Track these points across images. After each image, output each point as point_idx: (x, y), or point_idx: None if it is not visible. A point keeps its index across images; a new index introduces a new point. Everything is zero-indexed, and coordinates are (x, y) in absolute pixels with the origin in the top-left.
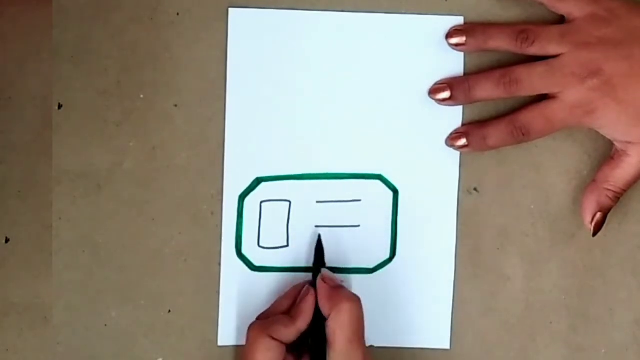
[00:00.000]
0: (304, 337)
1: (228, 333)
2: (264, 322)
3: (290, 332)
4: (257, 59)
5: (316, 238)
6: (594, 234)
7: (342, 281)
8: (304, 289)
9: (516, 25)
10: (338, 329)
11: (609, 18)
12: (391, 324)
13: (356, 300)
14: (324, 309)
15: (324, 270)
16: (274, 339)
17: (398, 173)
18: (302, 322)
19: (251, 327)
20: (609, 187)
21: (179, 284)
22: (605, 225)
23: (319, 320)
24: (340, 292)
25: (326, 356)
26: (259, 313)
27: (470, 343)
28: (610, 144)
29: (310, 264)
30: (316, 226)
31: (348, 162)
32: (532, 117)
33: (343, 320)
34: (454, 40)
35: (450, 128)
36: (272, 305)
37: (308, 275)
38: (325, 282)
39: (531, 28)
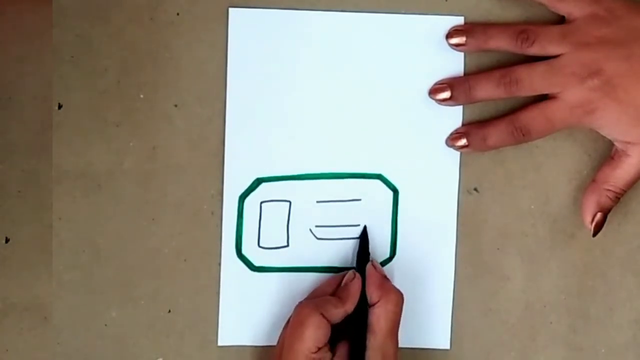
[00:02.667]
0: (337, 328)
1: (228, 333)
2: (315, 301)
3: (339, 312)
4: (257, 59)
5: (363, 230)
6: (594, 234)
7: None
8: (350, 272)
9: (516, 25)
10: (383, 317)
11: (609, 18)
12: None
13: (401, 294)
14: (372, 295)
15: (373, 260)
16: (325, 317)
17: (398, 173)
18: (350, 304)
19: (302, 304)
20: (609, 188)
21: (179, 284)
22: (605, 225)
23: (362, 309)
24: (389, 282)
25: (366, 342)
26: (259, 313)
27: (470, 343)
28: (610, 144)
29: (311, 264)
30: (316, 226)
31: (348, 162)
32: (532, 117)
33: (390, 310)
34: (454, 40)
35: (450, 128)
36: (317, 289)
37: (308, 275)
38: (376, 269)
39: (531, 28)
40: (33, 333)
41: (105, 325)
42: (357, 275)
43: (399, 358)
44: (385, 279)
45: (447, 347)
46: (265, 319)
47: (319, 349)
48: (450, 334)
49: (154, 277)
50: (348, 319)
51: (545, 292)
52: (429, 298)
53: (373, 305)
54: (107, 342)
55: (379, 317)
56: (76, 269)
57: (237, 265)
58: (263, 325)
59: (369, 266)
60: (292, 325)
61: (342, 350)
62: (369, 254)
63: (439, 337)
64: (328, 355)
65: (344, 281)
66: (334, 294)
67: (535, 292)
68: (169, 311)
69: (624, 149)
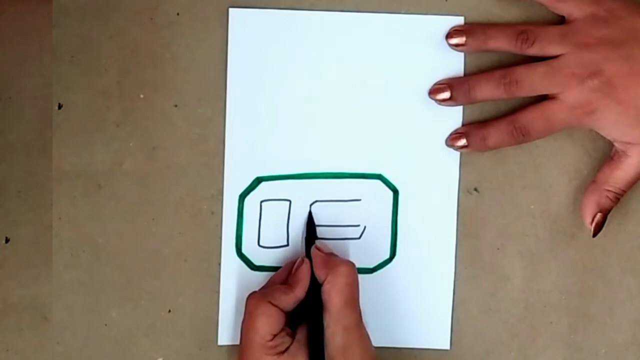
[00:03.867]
0: (298, 311)
1: (228, 333)
2: (263, 291)
3: (289, 299)
4: (257, 59)
5: (309, 213)
6: (594, 235)
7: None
8: (299, 259)
9: (516, 26)
10: (333, 291)
11: (609, 18)
12: (391, 324)
13: (351, 264)
14: (320, 275)
15: (318, 242)
16: (274, 305)
17: (398, 173)
18: (300, 289)
19: (251, 296)
20: (609, 188)
21: (179, 284)
22: (605, 225)
23: (314, 289)
24: (334, 258)
25: (322, 320)
26: None
27: (470, 343)
28: (610, 144)
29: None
30: (316, 225)
31: (348, 162)
32: (532, 117)
33: (339, 283)
34: (454, 41)
35: (450, 128)
36: (269, 281)
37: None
38: (320, 250)
39: (531, 28)
40: (33, 333)
41: (105, 325)
42: (306, 260)
43: (399, 358)
44: (330, 256)
45: (447, 347)
46: None
47: (274, 336)
48: (450, 334)
49: (154, 277)
50: (304, 305)
51: (545, 292)
52: (429, 298)
53: (323, 283)
54: (107, 342)
55: (329, 292)
56: (76, 269)
57: (237, 264)
58: None
59: (312, 249)
60: (244, 318)
61: (302, 333)
62: (316, 236)
63: (439, 337)
64: (286, 340)
65: (294, 267)
66: (286, 281)
67: (535, 292)
68: (169, 311)
69: (623, 149)
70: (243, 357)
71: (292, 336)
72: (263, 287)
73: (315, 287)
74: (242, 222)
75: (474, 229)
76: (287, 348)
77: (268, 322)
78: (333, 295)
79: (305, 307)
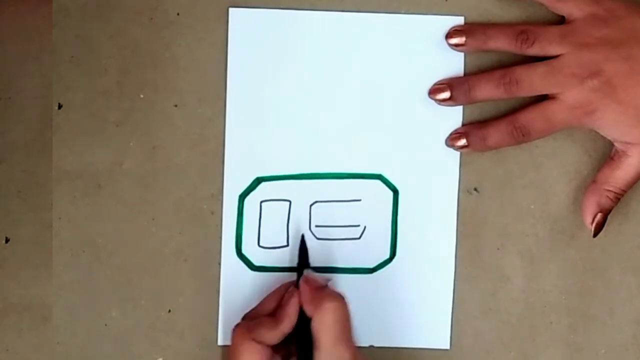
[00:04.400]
0: (291, 336)
1: (228, 333)
2: (248, 325)
3: (275, 334)
4: (257, 59)
5: (301, 239)
6: (595, 235)
7: (328, 280)
8: (288, 291)
9: (516, 26)
10: (322, 330)
11: (609, 18)
12: (391, 324)
13: (340, 298)
14: (308, 311)
15: (306, 272)
16: (258, 342)
17: (398, 173)
18: (287, 324)
19: (235, 330)
20: (609, 188)
21: (179, 284)
22: (605, 225)
23: (304, 322)
24: (323, 292)
25: (312, 358)
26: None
27: (470, 343)
28: (610, 144)
29: (311, 264)
30: (316, 226)
31: (348, 162)
32: (532, 117)
33: (327, 320)
34: (453, 41)
35: (450, 128)
36: (258, 306)
37: None
38: (308, 284)
39: (531, 28)
40: (33, 333)
41: (105, 325)
42: (296, 291)
43: (399, 358)
44: (319, 290)
45: (447, 347)
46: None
47: None
48: (450, 334)
49: (154, 277)
50: (294, 337)
51: (545, 292)
52: (429, 298)
53: (311, 320)
54: (107, 342)
55: (317, 331)
56: (76, 269)
57: (237, 264)
58: None
59: (301, 282)
60: (230, 350)
61: None
62: (308, 265)
63: (439, 337)
64: None
65: (283, 300)
66: (274, 310)
67: (535, 292)
68: (169, 311)
69: (624, 149)
70: None
71: None
72: (250, 314)
73: (304, 320)
74: (242, 222)
75: (474, 229)
76: None
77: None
78: (322, 333)
79: (295, 340)
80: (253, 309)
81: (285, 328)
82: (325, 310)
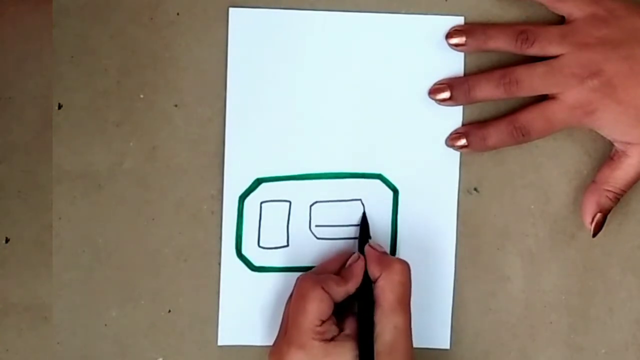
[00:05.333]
0: (345, 305)
1: (228, 333)
2: (317, 276)
3: (341, 290)
4: (257, 59)
5: (363, 214)
6: (594, 235)
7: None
8: (354, 254)
9: (516, 26)
10: (387, 288)
11: (609, 18)
12: None
13: (405, 263)
14: (374, 272)
15: (371, 240)
16: (326, 291)
17: (398, 173)
18: (353, 284)
19: (303, 278)
20: (609, 188)
21: (179, 284)
22: (605, 225)
23: (366, 287)
24: (389, 256)
25: (373, 317)
26: (259, 313)
27: (470, 343)
28: (610, 144)
29: (311, 264)
30: (316, 226)
31: (348, 162)
32: (532, 117)
33: (393, 279)
34: (453, 41)
35: (450, 128)
36: (319, 267)
37: None
38: (374, 248)
39: (531, 28)
40: (33, 333)
41: (105, 325)
42: (361, 257)
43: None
44: (384, 255)
45: (447, 347)
46: (265, 319)
47: (323, 322)
48: (450, 334)
49: (154, 277)
50: (355, 300)
51: (545, 292)
52: (429, 298)
53: (376, 280)
54: (107, 342)
55: (383, 288)
56: (76, 269)
57: (237, 265)
58: (263, 325)
59: (366, 247)
60: (294, 299)
61: (351, 326)
62: (369, 235)
63: (439, 337)
64: (334, 329)
65: (348, 262)
66: (337, 273)
67: (535, 292)
68: (169, 311)
69: (623, 149)
70: (287, 338)
71: (339, 327)
72: (313, 272)
73: (366, 284)
74: (242, 222)
75: (474, 229)
76: (333, 337)
77: (319, 307)
78: (387, 292)
79: (352, 303)
80: (316, 267)
81: (351, 287)
82: (393, 270)
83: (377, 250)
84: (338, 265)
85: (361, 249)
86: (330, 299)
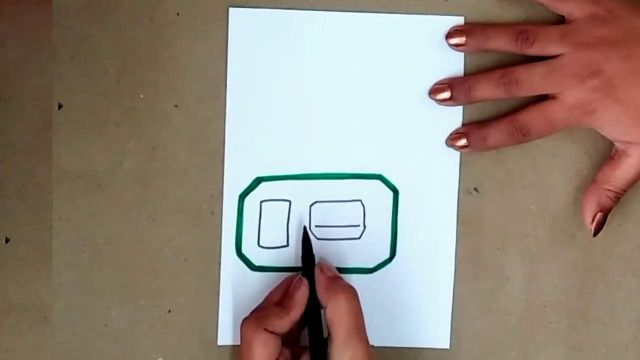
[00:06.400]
0: (296, 331)
1: (228, 333)
2: (257, 316)
3: (284, 322)
4: (257, 59)
5: (304, 231)
6: (595, 235)
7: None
8: (297, 279)
9: (516, 26)
10: (336, 320)
11: (609, 18)
12: (391, 324)
13: (353, 291)
14: (322, 299)
15: (322, 260)
16: (269, 332)
17: (398, 173)
18: (296, 312)
19: (245, 323)
20: (610, 188)
21: (179, 284)
22: (605, 225)
23: (313, 311)
24: (337, 282)
25: (327, 348)
26: None
27: (470, 343)
28: (610, 144)
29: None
30: (316, 226)
31: (348, 162)
32: (532, 117)
33: (340, 310)
34: (453, 41)
35: (450, 128)
36: (264, 300)
37: None
38: (323, 272)
39: (531, 28)
40: (33, 333)
41: (105, 325)
42: (304, 280)
43: (399, 358)
44: (333, 280)
45: (447, 347)
46: None
47: None
48: (450, 334)
49: (154, 277)
50: (306, 324)
51: (545, 292)
52: (429, 298)
53: (325, 308)
54: (107, 342)
55: (332, 320)
56: (76, 269)
57: (237, 264)
58: None
59: (316, 270)
60: (241, 347)
61: (307, 357)
62: (313, 255)
63: (439, 337)
64: None
65: (291, 287)
66: (281, 301)
67: (535, 292)
68: (169, 311)
69: (624, 149)
70: None
71: (292, 357)
72: (257, 309)
73: (314, 309)
74: (242, 222)
75: (474, 229)
76: None
77: (266, 351)
78: (336, 324)
79: (300, 332)
80: (260, 304)
81: (294, 316)
82: (340, 300)
83: (325, 275)
84: (280, 295)
85: (306, 270)
86: (275, 338)
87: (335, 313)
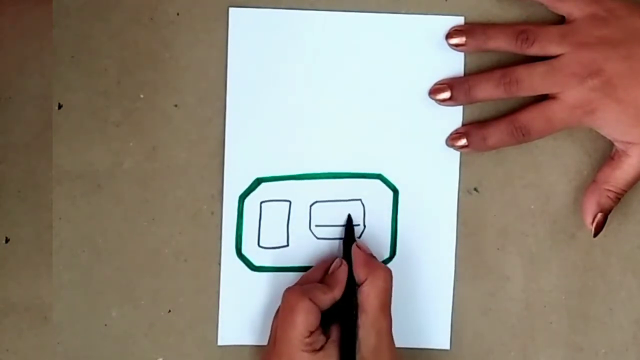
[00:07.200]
0: (329, 312)
1: (228, 333)
2: (303, 287)
3: (327, 298)
4: (257, 59)
5: (348, 217)
6: (595, 235)
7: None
8: (337, 260)
9: (516, 26)
10: (372, 294)
11: (609, 18)
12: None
13: (389, 270)
14: (360, 274)
15: (358, 241)
16: (313, 302)
17: (398, 173)
18: (338, 290)
19: (290, 290)
20: (610, 188)
21: (179, 284)
22: (605, 225)
23: (350, 291)
24: (375, 260)
25: (357, 321)
26: (259, 313)
27: (470, 343)
28: (610, 144)
29: (311, 264)
30: (316, 226)
31: (348, 162)
32: (532, 117)
33: (378, 286)
34: (454, 41)
35: (450, 128)
36: (303, 277)
37: None
38: (361, 250)
39: (531, 28)
40: (33, 333)
41: (105, 325)
42: (344, 262)
43: (400, 357)
44: (371, 258)
45: (447, 347)
46: (265, 318)
47: (311, 333)
48: (450, 334)
49: (154, 277)
50: (338, 305)
51: (545, 292)
52: (429, 298)
53: (361, 284)
54: (107, 342)
55: (368, 294)
56: (76, 269)
57: (237, 265)
58: (263, 325)
59: (354, 247)
60: (282, 313)
61: (336, 333)
62: (354, 238)
63: (439, 337)
64: (321, 339)
65: (331, 269)
66: (321, 281)
67: (535, 292)
68: (169, 311)
69: (624, 149)
70: (276, 351)
71: (326, 335)
72: (298, 283)
73: (350, 288)
74: (242, 222)
75: (474, 229)
76: (322, 347)
77: (307, 319)
78: (372, 298)
79: (338, 308)
80: (301, 278)
81: (337, 294)
82: (379, 276)
83: (364, 252)
84: (321, 273)
85: (346, 252)
86: (317, 309)
87: (373, 286)
